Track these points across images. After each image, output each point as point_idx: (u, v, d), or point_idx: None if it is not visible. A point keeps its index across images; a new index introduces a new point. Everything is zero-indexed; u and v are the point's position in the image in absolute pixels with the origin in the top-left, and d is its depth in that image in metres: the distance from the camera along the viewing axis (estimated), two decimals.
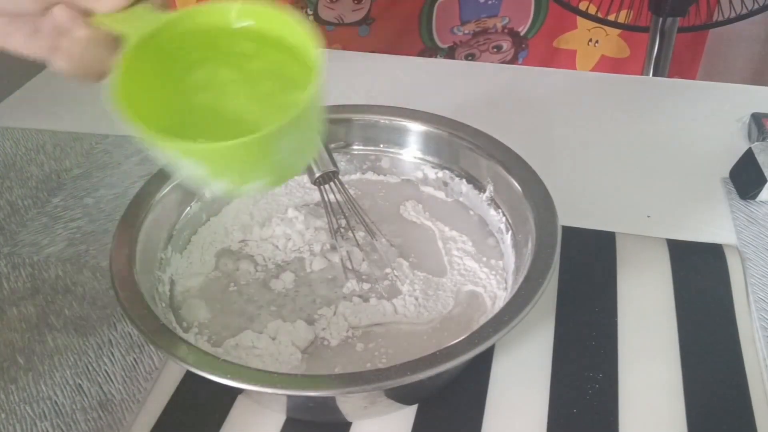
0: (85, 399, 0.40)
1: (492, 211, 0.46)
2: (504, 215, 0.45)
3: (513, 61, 1.30)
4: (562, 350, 0.42)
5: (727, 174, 0.56)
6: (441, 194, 0.49)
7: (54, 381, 0.41)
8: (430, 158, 0.50)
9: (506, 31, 1.26)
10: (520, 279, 0.37)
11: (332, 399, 0.36)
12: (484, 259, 0.44)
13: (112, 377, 0.41)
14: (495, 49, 1.29)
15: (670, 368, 0.41)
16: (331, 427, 0.39)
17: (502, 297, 0.41)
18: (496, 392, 0.40)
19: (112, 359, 0.42)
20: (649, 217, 0.53)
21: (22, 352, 0.42)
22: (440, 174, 0.49)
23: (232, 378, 0.32)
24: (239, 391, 0.39)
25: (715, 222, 0.52)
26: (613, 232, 0.50)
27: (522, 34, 1.26)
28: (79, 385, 0.41)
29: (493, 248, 0.45)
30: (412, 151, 0.50)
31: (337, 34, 1.20)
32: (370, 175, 0.51)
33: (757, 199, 0.53)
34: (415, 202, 0.49)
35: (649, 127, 0.63)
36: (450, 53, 1.29)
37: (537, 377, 0.41)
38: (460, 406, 0.39)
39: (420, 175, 0.50)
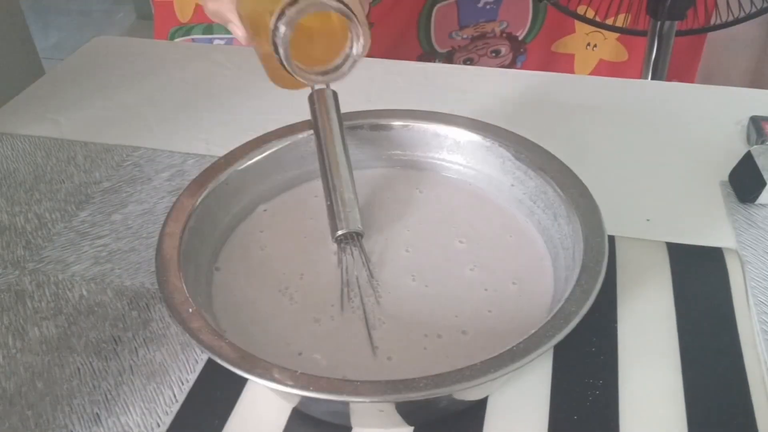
0: (102, 430, 0.39)
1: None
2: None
3: (511, 65, 1.30)
4: (562, 356, 0.42)
5: (726, 177, 0.56)
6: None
7: (71, 408, 0.40)
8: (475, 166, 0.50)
9: (504, 35, 1.26)
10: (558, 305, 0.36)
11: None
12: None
13: (131, 408, 0.40)
14: (493, 54, 1.29)
15: (671, 373, 0.41)
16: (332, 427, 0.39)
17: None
18: (496, 400, 0.40)
19: (132, 388, 0.41)
20: (648, 220, 0.53)
21: (41, 377, 0.42)
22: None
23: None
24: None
25: (715, 225, 0.52)
26: (613, 235, 0.50)
27: (520, 38, 1.26)
28: (97, 414, 0.40)
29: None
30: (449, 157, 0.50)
31: None
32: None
33: (757, 202, 0.53)
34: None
35: (648, 131, 0.63)
36: (448, 58, 1.29)
37: (537, 384, 0.41)
38: (460, 415, 0.39)
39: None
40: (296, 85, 0.45)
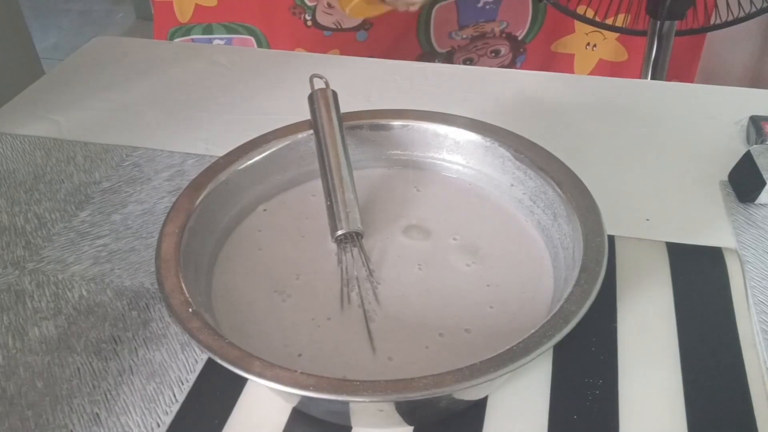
0: (102, 430, 0.39)
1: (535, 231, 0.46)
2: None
3: (511, 65, 1.30)
4: (562, 356, 0.42)
5: (725, 177, 0.56)
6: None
7: (71, 408, 0.40)
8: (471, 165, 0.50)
9: (504, 35, 1.26)
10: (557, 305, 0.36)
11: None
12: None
13: (131, 408, 0.40)
14: (493, 54, 1.29)
15: (670, 372, 0.41)
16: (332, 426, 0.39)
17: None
18: (496, 400, 0.40)
19: (132, 388, 0.41)
20: (648, 220, 0.53)
21: (41, 377, 0.42)
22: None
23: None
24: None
25: (714, 225, 0.52)
26: (612, 235, 0.50)
27: (520, 38, 1.26)
28: (97, 414, 0.40)
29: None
30: (449, 157, 0.50)
31: (335, 40, 1.20)
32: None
33: (756, 201, 0.53)
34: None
35: (648, 131, 0.63)
36: (448, 58, 1.29)
37: (537, 384, 0.41)
38: (460, 415, 0.39)
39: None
40: (368, 13, 0.46)
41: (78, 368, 0.42)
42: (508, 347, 0.33)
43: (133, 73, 0.75)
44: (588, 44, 1.26)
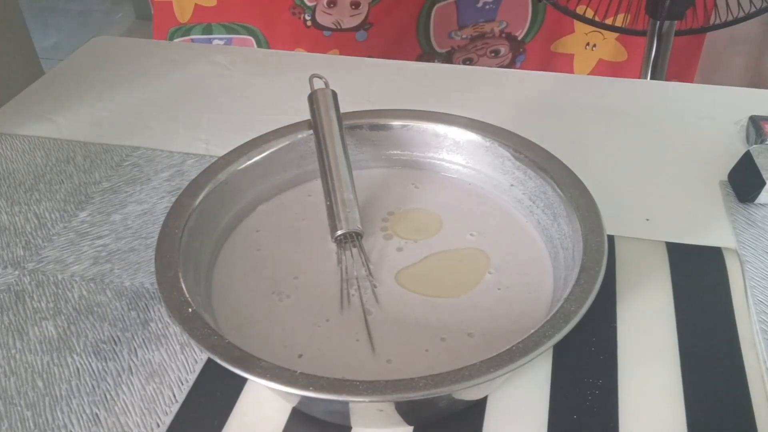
0: (101, 430, 0.39)
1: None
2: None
3: (511, 65, 1.30)
4: (562, 356, 0.42)
5: (725, 177, 0.56)
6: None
7: (71, 408, 0.40)
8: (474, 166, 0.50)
9: (504, 35, 1.26)
10: (555, 307, 0.36)
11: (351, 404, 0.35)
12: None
13: (130, 408, 0.40)
14: (493, 54, 1.29)
15: (670, 372, 0.41)
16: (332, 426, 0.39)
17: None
18: (495, 400, 0.40)
19: (131, 388, 0.41)
20: (647, 220, 0.53)
21: (41, 377, 0.42)
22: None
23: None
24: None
25: (714, 225, 0.52)
26: (612, 235, 0.50)
27: (520, 38, 1.26)
28: (96, 414, 0.40)
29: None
30: (449, 157, 0.50)
31: (335, 40, 1.20)
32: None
33: (756, 201, 0.53)
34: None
35: (647, 131, 0.63)
36: (448, 58, 1.29)
37: (536, 384, 0.41)
38: (459, 415, 0.39)
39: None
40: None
41: (77, 368, 0.42)
42: (507, 347, 0.33)
43: (133, 73, 0.75)
44: (588, 44, 1.26)
